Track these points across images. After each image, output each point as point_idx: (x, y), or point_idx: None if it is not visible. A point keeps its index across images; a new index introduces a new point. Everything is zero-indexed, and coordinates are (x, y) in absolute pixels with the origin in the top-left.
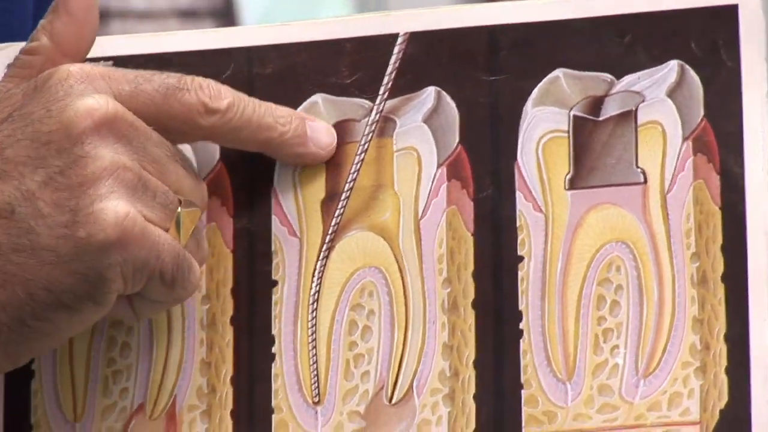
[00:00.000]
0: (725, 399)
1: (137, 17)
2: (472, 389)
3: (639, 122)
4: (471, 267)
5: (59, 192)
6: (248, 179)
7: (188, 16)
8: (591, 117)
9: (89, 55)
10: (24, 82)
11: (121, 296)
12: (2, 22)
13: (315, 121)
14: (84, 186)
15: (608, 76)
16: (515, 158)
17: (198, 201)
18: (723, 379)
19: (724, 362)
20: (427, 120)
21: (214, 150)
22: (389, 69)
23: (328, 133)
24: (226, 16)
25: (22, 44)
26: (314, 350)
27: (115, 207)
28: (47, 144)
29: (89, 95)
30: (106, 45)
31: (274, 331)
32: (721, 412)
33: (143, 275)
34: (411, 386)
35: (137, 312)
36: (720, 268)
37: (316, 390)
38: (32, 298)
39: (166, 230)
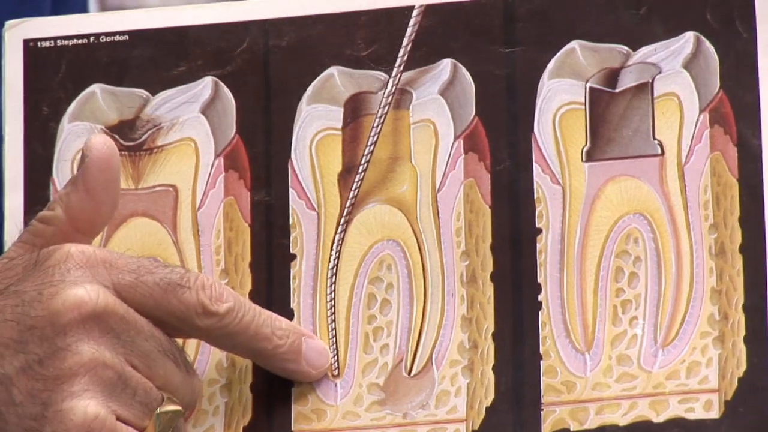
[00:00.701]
0: (743, 367)
1: None
2: (491, 360)
3: (655, 94)
4: (489, 240)
5: (35, 382)
6: (265, 152)
7: None
8: (607, 89)
9: (100, 30)
10: (32, 250)
11: None
12: (19, 2)
13: (313, 340)
14: (59, 380)
15: (624, 48)
16: (532, 130)
17: (187, 397)
18: (741, 348)
19: (742, 332)
20: (444, 92)
21: (231, 122)
22: (405, 41)
23: (322, 355)
24: None
25: (37, 19)
26: (333, 324)
27: (85, 407)
28: (31, 329)
29: (82, 285)
30: (123, 19)
31: (293, 305)
32: (740, 379)
33: None
34: (430, 358)
35: None
36: (738, 239)
37: (336, 363)
38: None
39: (142, 429)
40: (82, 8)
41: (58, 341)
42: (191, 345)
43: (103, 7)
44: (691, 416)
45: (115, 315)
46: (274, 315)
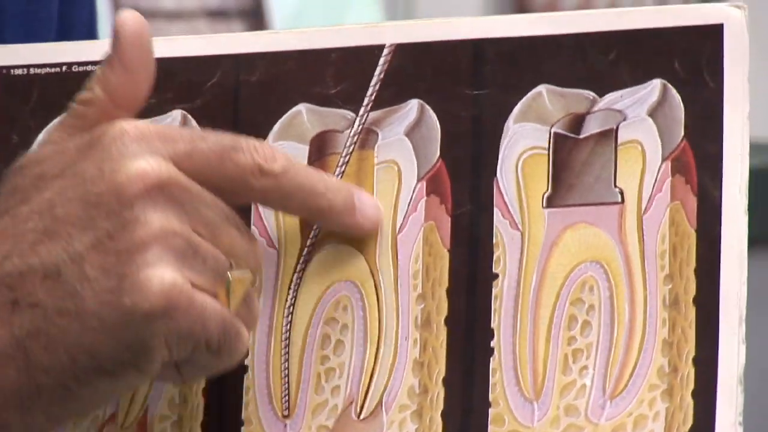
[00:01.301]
0: (690, 422)
1: (166, 17)
2: (441, 406)
3: (619, 141)
4: (446, 284)
5: (107, 256)
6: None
7: (218, 16)
8: (572, 135)
9: (72, 59)
10: (77, 132)
11: (166, 362)
12: (27, 23)
13: (363, 194)
14: (132, 252)
15: (591, 94)
16: (495, 174)
17: (251, 264)
18: (689, 402)
19: (691, 385)
20: (409, 133)
21: None
22: (374, 80)
23: (374, 207)
24: (256, 16)
25: (11, 46)
26: (286, 363)
27: (161, 275)
28: (97, 205)
29: (143, 157)
30: (96, 49)
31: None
32: None
33: (188, 344)
34: (380, 402)
35: (184, 376)
36: (692, 290)
37: (286, 403)
38: (75, 362)
39: (215, 295)
40: (90, 6)
41: (125, 214)
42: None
43: (117, 8)
44: None
45: (178, 184)
46: (323, 172)
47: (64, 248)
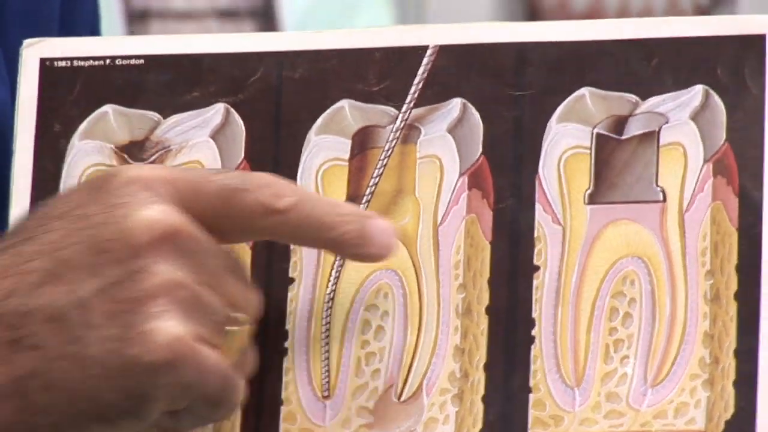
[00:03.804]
0: (731, 410)
1: (177, 17)
2: (481, 391)
3: (661, 143)
4: (487, 274)
5: (113, 304)
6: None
7: (228, 16)
8: (614, 135)
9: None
10: None
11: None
12: (29, 21)
13: (376, 221)
14: (139, 302)
15: (633, 97)
16: (537, 171)
17: (251, 314)
18: (730, 391)
19: (732, 376)
20: (452, 130)
21: (240, 148)
22: (417, 79)
23: (387, 234)
24: (265, 17)
25: (54, 39)
26: (327, 347)
27: (167, 328)
28: (105, 252)
29: (152, 205)
30: (139, 44)
31: (288, 326)
32: (727, 422)
33: (188, 396)
34: (420, 385)
35: (179, 424)
36: (733, 286)
37: (327, 385)
38: (74, 406)
39: (217, 347)
40: (93, 4)
41: (133, 263)
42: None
43: (128, 7)
44: None
45: (185, 234)
46: (334, 201)
47: (70, 292)
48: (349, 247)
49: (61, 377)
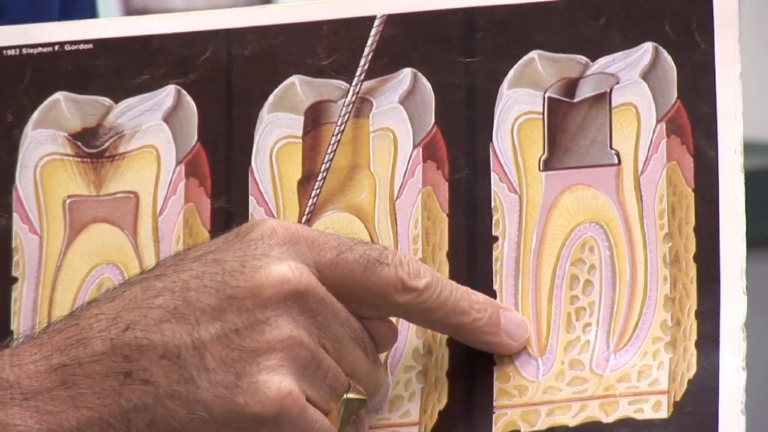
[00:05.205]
0: (694, 370)
1: None
2: (445, 366)
3: (613, 104)
4: (446, 247)
5: (230, 351)
6: (226, 160)
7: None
8: (565, 99)
9: (64, 39)
10: None
11: None
12: (28, 22)
13: (511, 312)
14: (256, 352)
15: (583, 58)
16: (490, 139)
17: (371, 387)
18: (693, 352)
19: (694, 336)
20: (404, 101)
21: (193, 130)
22: (366, 51)
23: (521, 326)
24: None
25: (3, 27)
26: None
27: (279, 383)
28: (231, 299)
29: (286, 262)
30: (87, 28)
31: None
32: (689, 381)
33: None
34: (385, 363)
35: None
36: (692, 248)
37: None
38: None
39: (327, 412)
40: (91, 7)
41: (257, 314)
42: None
43: (127, 8)
44: (640, 416)
45: (316, 296)
46: (470, 290)
47: (189, 332)
48: (481, 333)
49: (167, 415)
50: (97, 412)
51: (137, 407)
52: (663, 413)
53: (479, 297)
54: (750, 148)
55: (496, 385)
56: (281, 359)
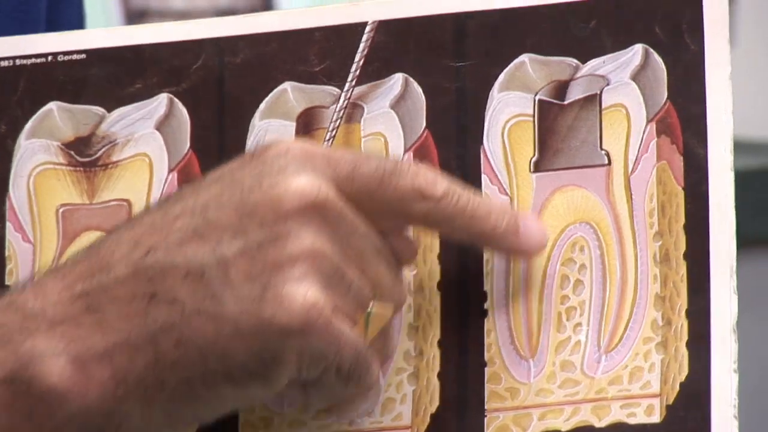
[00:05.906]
0: (685, 372)
1: (177, 17)
2: (437, 368)
3: (603, 105)
4: (437, 249)
5: (253, 265)
6: (218, 167)
7: (228, 16)
8: (556, 101)
9: (58, 49)
10: None
11: (293, 380)
12: (15, 25)
13: (528, 217)
14: (279, 265)
15: (573, 61)
16: (481, 142)
17: (394, 299)
18: (684, 352)
19: (685, 336)
20: (395, 106)
21: (185, 138)
22: (357, 57)
23: (539, 230)
24: None
25: None
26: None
27: (305, 293)
28: (251, 214)
29: (304, 175)
30: (80, 38)
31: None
32: (681, 384)
33: (319, 366)
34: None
35: (309, 399)
36: (682, 246)
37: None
38: (204, 364)
39: (354, 324)
40: (78, 8)
41: (279, 227)
42: None
43: (128, 8)
44: (632, 421)
45: (335, 208)
46: (488, 197)
47: (212, 250)
48: (500, 237)
49: (195, 334)
50: (124, 335)
51: (164, 328)
52: (656, 417)
53: (496, 203)
54: (749, 148)
55: (487, 387)
56: (305, 270)
